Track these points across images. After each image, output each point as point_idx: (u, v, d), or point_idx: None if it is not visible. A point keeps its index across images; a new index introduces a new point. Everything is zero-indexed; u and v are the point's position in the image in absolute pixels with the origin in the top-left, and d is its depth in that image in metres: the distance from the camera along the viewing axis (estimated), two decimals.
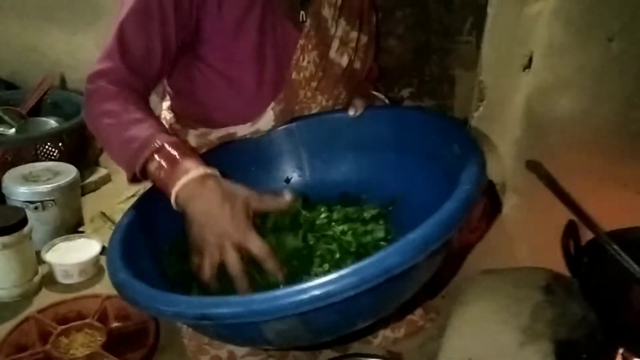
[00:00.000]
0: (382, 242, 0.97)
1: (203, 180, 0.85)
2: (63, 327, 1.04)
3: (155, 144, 0.87)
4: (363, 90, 1.23)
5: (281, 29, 1.06)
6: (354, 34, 1.15)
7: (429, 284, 1.17)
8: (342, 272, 0.63)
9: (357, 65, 1.19)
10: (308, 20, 1.07)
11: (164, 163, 0.87)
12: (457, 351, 0.95)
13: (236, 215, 0.84)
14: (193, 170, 0.85)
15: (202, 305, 0.68)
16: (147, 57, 0.99)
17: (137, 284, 0.75)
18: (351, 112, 1.06)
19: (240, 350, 0.93)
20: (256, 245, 0.83)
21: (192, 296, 0.80)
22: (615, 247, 0.94)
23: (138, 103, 0.95)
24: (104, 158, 1.76)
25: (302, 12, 1.08)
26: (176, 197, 0.86)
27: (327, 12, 1.09)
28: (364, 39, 1.19)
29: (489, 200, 1.28)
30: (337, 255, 0.92)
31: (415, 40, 1.53)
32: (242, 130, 1.12)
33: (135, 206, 0.95)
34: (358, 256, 0.92)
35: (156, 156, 0.87)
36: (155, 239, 0.93)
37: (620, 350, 0.87)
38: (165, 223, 0.93)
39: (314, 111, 1.14)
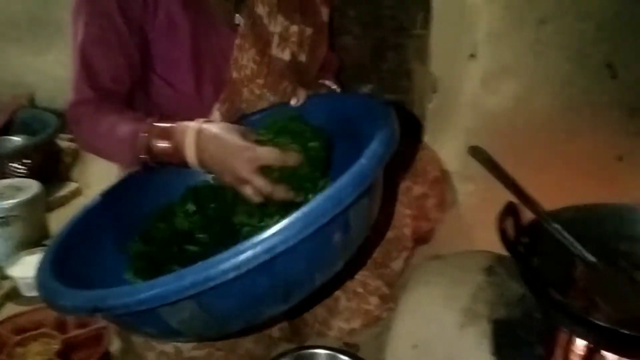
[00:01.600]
0: None
1: (199, 134, 0.90)
2: (19, 337, 1.05)
3: (143, 132, 0.93)
4: (316, 81, 1.24)
5: (216, 32, 1.08)
6: (294, 28, 1.16)
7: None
8: (221, 256, 0.65)
9: (303, 58, 1.20)
10: (243, 20, 1.09)
11: (161, 142, 0.93)
12: (404, 337, 0.96)
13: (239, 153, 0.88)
14: (189, 130, 0.90)
15: (93, 298, 0.69)
16: (116, 75, 1.03)
17: (46, 280, 0.77)
18: (292, 102, 1.07)
19: (186, 346, 0.94)
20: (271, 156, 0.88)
21: (91, 290, 0.77)
22: (555, 225, 0.96)
23: (116, 111, 1.01)
24: (77, 172, 1.79)
25: (236, 15, 1.09)
26: (192, 162, 0.91)
27: (261, 9, 1.10)
28: (309, 31, 1.19)
29: (445, 189, 1.29)
30: None
31: (371, 38, 1.54)
32: None
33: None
34: None
35: (153, 140, 0.93)
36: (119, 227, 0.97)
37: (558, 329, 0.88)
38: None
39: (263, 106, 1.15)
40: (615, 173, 1.07)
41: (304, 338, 1.11)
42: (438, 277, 1.00)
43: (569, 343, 0.89)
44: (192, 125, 0.91)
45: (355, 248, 0.86)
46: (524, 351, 0.87)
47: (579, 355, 0.89)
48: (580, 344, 0.89)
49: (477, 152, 1.07)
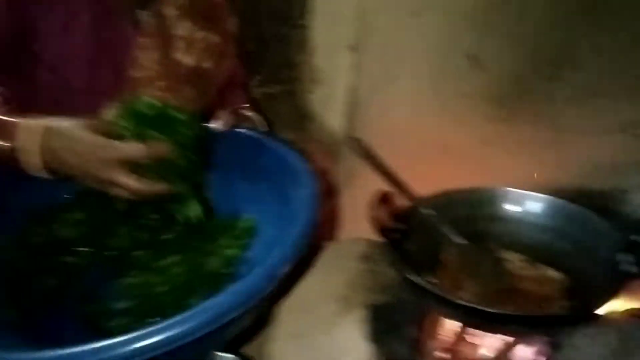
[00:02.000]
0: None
1: (46, 135, 0.82)
2: None
3: None
4: (235, 103, 1.20)
5: (118, 27, 1.04)
6: (201, 34, 1.13)
7: None
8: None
9: (208, 65, 1.17)
10: (148, 20, 1.04)
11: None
12: (282, 328, 0.96)
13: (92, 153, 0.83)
14: (33, 128, 0.82)
15: None
16: None
17: None
18: (216, 125, 1.03)
19: None
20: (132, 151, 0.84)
21: None
22: (426, 210, 0.99)
23: None
24: None
25: (142, 12, 1.04)
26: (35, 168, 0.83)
27: (169, 11, 1.06)
28: (215, 38, 1.17)
29: (330, 179, 1.31)
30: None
31: (254, 28, 1.53)
32: None
33: None
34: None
35: None
36: None
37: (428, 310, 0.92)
38: None
39: None
40: (483, 158, 1.13)
41: None
42: (315, 268, 1.01)
43: (439, 323, 0.94)
44: (38, 123, 0.83)
45: None
46: (399, 334, 0.89)
47: (448, 334, 0.93)
48: (448, 324, 0.93)
49: (354, 143, 1.08)
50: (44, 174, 0.84)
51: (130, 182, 0.83)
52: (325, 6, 1.32)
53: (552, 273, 0.95)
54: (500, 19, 1.04)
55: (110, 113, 0.89)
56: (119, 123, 0.88)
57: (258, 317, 0.89)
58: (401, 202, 1.01)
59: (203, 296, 0.87)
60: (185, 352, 0.66)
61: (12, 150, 0.82)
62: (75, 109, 0.97)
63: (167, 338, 0.62)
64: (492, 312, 0.81)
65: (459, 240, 0.97)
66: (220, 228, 1.00)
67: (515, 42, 1.03)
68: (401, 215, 0.98)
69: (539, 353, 0.86)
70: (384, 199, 0.98)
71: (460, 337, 0.93)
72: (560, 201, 1.01)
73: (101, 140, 0.83)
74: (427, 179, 1.07)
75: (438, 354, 0.90)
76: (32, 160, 0.82)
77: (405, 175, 1.05)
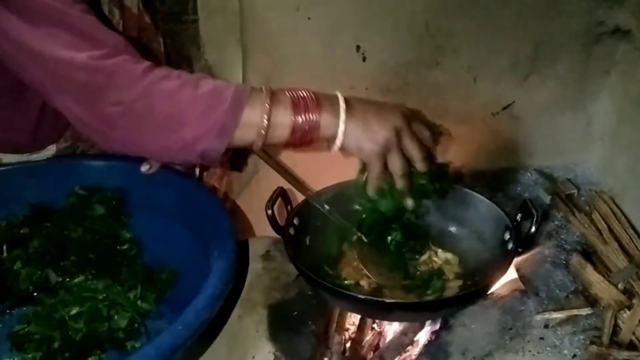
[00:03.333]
0: None
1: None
2: None
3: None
4: None
5: None
6: None
7: None
8: None
9: None
10: None
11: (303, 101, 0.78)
12: None
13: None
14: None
15: None
16: None
17: None
18: (143, 169, 0.96)
19: None
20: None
21: None
22: (320, 205, 0.99)
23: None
24: None
25: None
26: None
27: None
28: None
29: (232, 178, 1.29)
30: None
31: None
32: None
33: None
34: None
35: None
36: None
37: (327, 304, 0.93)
38: None
39: None
40: None
41: None
42: None
43: (338, 315, 0.95)
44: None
45: None
46: (300, 330, 0.89)
47: (348, 325, 0.95)
48: (348, 316, 0.95)
49: None
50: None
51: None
52: (210, 1, 1.30)
53: (445, 255, 0.99)
54: (381, 10, 1.05)
55: None
56: None
57: None
58: (299, 198, 1.02)
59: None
60: None
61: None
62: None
63: None
64: (388, 302, 0.83)
65: (355, 232, 0.99)
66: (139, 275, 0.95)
67: (397, 33, 1.05)
68: (298, 211, 0.99)
69: (432, 334, 0.89)
70: (280, 195, 0.98)
71: (361, 327, 0.95)
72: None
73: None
74: (321, 174, 1.08)
75: (340, 345, 0.92)
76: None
77: (300, 171, 1.06)
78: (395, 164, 0.82)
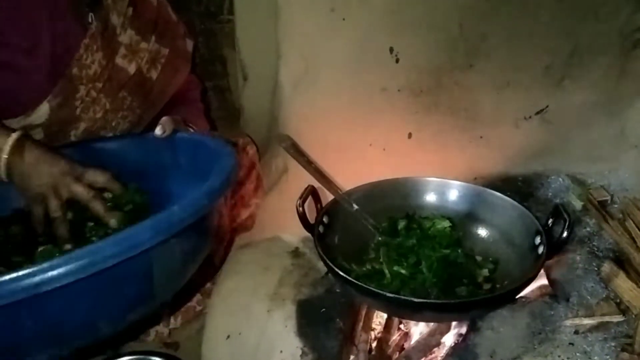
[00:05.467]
0: None
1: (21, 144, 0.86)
2: None
3: None
4: (192, 122, 1.17)
5: (63, 23, 1.01)
6: (144, 45, 1.14)
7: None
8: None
9: (153, 75, 1.17)
10: (95, 23, 1.05)
11: None
12: (217, 329, 0.96)
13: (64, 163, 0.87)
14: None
15: None
16: None
17: None
18: (158, 132, 1.01)
19: None
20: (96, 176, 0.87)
21: None
22: (350, 203, 1.00)
23: None
24: None
25: (90, 14, 1.05)
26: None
27: (115, 19, 1.08)
28: (164, 51, 1.18)
29: (261, 174, 1.31)
30: None
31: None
32: (11, 124, 1.02)
33: None
34: None
35: None
36: None
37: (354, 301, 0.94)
38: None
39: (98, 113, 1.10)
40: (406, 149, 1.15)
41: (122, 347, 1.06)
42: (248, 266, 1.01)
43: (366, 314, 0.96)
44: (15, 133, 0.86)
45: (168, 295, 0.83)
46: (327, 326, 0.90)
47: (375, 324, 0.96)
48: (376, 314, 0.96)
49: (282, 139, 1.09)
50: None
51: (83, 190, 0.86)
52: (248, 2, 1.32)
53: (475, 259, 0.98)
54: (415, 12, 1.06)
55: None
56: None
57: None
58: (329, 196, 1.02)
59: None
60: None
61: None
62: (12, 96, 0.99)
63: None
64: (416, 301, 0.83)
65: (380, 231, 0.99)
66: None
67: (431, 35, 1.06)
68: (327, 209, 1.00)
69: (459, 336, 0.89)
70: (311, 193, 0.99)
71: (388, 326, 0.95)
72: (479, 188, 1.04)
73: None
74: (352, 173, 1.09)
75: (367, 344, 0.92)
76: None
77: (331, 170, 1.07)
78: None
